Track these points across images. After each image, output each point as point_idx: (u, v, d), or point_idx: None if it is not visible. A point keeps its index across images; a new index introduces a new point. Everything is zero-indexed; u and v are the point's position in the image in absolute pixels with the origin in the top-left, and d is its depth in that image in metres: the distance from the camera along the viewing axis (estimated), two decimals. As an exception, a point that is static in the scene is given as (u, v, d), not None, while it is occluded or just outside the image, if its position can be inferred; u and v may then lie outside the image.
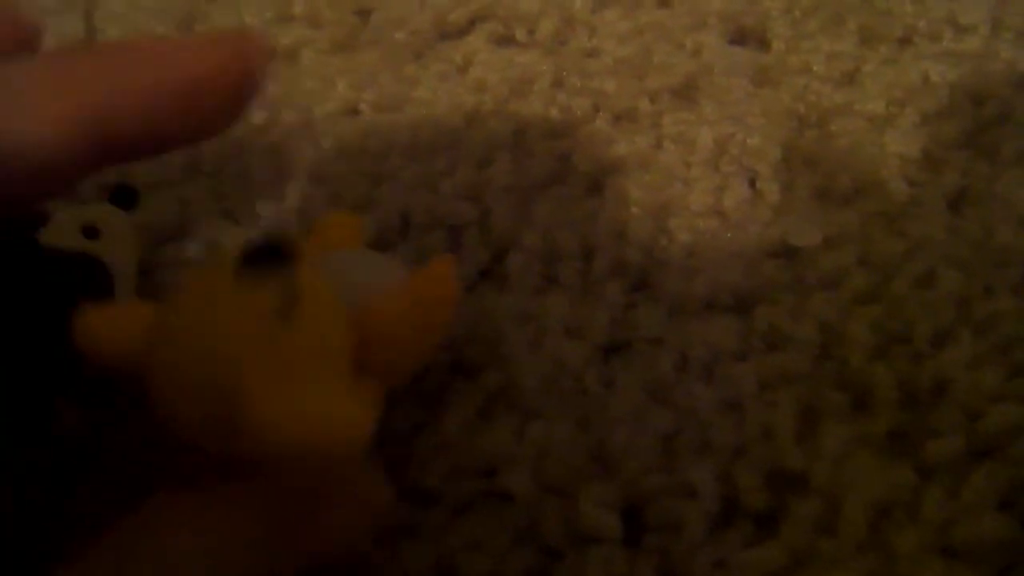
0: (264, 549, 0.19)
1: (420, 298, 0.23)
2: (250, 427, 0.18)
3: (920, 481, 0.24)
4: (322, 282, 0.20)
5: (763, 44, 0.34)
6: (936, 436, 0.25)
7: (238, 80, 0.22)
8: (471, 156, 0.31)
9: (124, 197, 0.27)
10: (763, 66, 0.33)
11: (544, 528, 0.24)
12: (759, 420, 0.26)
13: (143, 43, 0.23)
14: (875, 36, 0.33)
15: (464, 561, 0.24)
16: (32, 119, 0.19)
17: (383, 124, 0.33)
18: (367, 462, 0.22)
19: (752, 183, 0.30)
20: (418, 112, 0.33)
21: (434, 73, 0.34)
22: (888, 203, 0.30)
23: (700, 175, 0.30)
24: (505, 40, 0.35)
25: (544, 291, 0.29)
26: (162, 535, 0.19)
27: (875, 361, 0.27)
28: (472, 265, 0.29)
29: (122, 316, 0.21)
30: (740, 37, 0.34)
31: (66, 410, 0.24)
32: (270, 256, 0.19)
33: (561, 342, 0.28)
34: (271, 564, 0.19)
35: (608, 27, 0.34)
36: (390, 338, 0.22)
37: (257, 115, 0.34)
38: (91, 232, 0.25)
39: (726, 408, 0.26)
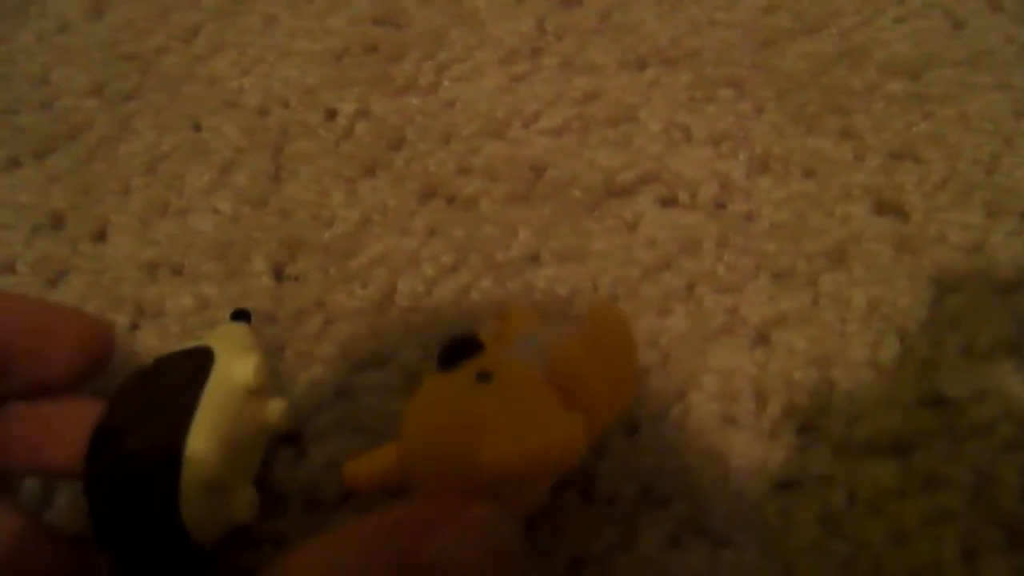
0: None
1: (595, 332, 0.29)
2: (488, 464, 0.24)
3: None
4: (506, 353, 0.27)
5: (902, 214, 0.38)
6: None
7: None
8: (650, 306, 0.36)
9: (241, 316, 0.34)
10: (904, 235, 0.37)
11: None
12: (927, 552, 0.29)
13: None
14: (1000, 210, 0.38)
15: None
16: None
17: (565, 272, 0.37)
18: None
19: (903, 339, 0.34)
20: (597, 264, 0.37)
21: (607, 228, 0.39)
22: (1024, 360, 0.34)
23: (856, 331, 0.34)
24: (669, 202, 0.40)
25: (723, 430, 0.33)
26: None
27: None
28: (656, 404, 0.33)
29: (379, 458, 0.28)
30: (881, 208, 0.38)
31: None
32: (462, 349, 0.27)
33: (742, 477, 0.31)
34: None
35: (763, 194, 0.39)
36: (579, 374, 0.27)
37: (444, 257, 0.39)
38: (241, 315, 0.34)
39: (895, 541, 0.30)
